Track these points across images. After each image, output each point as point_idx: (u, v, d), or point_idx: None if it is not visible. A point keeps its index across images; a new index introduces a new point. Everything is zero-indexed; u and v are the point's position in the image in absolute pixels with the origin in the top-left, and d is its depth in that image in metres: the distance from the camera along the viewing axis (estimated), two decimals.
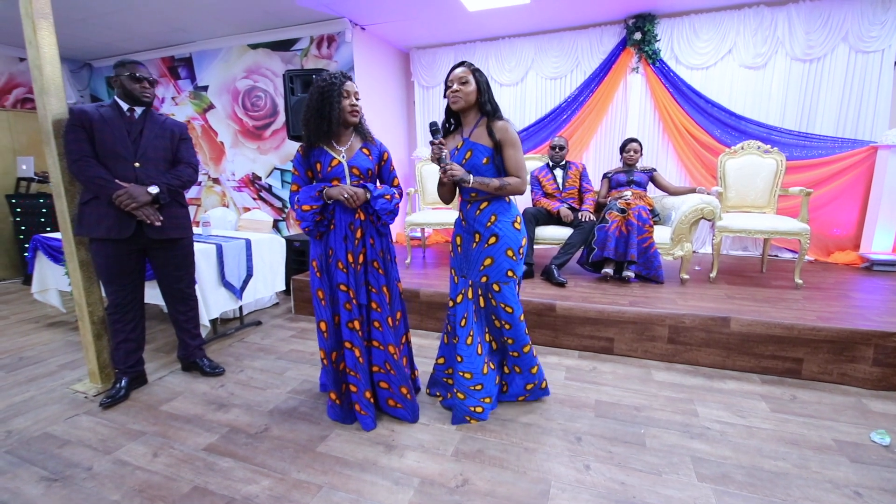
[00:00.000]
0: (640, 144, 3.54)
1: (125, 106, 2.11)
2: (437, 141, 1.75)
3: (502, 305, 1.88)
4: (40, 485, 1.60)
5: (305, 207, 1.78)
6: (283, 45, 4.45)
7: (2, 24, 4.12)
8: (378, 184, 1.94)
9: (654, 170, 3.61)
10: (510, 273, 1.86)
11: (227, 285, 2.83)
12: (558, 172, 3.65)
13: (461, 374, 1.92)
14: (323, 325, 1.88)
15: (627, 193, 3.39)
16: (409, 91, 5.32)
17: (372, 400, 1.94)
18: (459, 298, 1.92)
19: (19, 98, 4.86)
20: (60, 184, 2.12)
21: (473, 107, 1.83)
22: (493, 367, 1.99)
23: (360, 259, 1.86)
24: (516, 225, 1.87)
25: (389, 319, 1.92)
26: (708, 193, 3.22)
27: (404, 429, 1.92)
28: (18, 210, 4.55)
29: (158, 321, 3.32)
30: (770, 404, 2.09)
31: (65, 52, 5.01)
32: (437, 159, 1.76)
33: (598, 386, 2.28)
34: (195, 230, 3.23)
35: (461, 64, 1.81)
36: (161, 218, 2.12)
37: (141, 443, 1.85)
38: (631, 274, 3.15)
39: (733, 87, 4.04)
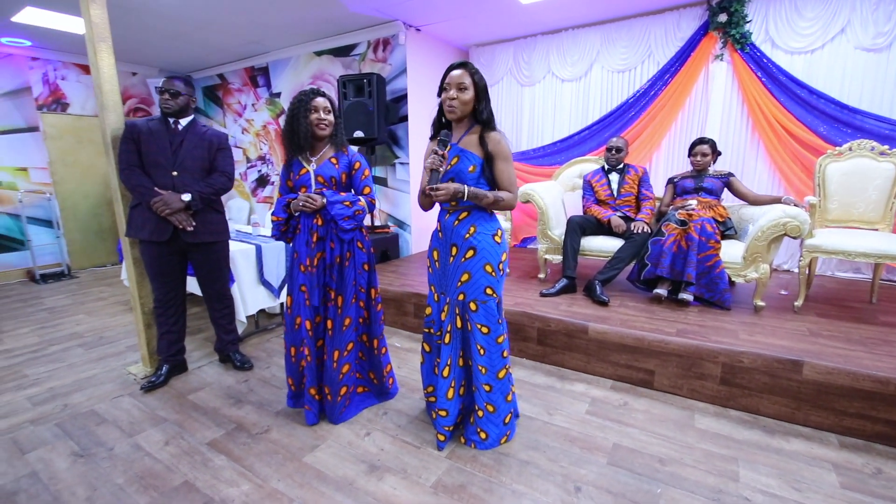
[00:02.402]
0: (713, 146, 3.05)
1: (172, 119, 2.31)
2: (441, 152, 1.64)
3: (478, 326, 1.72)
4: (68, 459, 1.80)
5: (274, 218, 1.96)
6: (344, 51, 4.60)
7: (116, 43, 4.79)
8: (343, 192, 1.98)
9: (731, 174, 3.09)
10: (489, 291, 1.71)
11: (266, 284, 3.00)
12: (614, 177, 3.30)
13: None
14: (298, 320, 2.00)
15: (692, 202, 2.94)
16: None
17: (318, 397, 2.02)
18: (444, 316, 1.81)
19: (132, 108, 5.67)
20: (118, 189, 2.38)
21: (469, 115, 1.70)
22: (461, 393, 1.85)
23: (316, 262, 1.92)
24: (496, 238, 1.73)
25: (330, 322, 1.96)
26: (796, 205, 2.67)
27: (395, 449, 1.85)
28: None
29: None
30: (843, 477, 1.66)
31: (167, 65, 5.71)
32: (431, 170, 1.65)
33: (622, 426, 2.00)
34: (245, 229, 3.49)
35: (461, 65, 1.66)
36: (193, 223, 2.28)
37: (160, 430, 2.01)
38: (689, 297, 2.73)
39: (846, 74, 3.30)
